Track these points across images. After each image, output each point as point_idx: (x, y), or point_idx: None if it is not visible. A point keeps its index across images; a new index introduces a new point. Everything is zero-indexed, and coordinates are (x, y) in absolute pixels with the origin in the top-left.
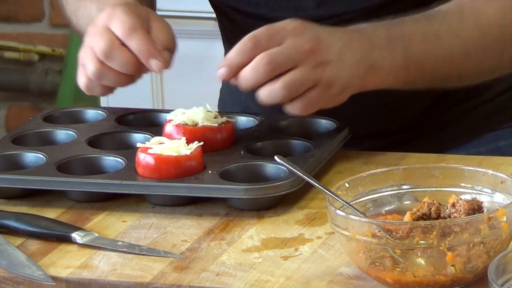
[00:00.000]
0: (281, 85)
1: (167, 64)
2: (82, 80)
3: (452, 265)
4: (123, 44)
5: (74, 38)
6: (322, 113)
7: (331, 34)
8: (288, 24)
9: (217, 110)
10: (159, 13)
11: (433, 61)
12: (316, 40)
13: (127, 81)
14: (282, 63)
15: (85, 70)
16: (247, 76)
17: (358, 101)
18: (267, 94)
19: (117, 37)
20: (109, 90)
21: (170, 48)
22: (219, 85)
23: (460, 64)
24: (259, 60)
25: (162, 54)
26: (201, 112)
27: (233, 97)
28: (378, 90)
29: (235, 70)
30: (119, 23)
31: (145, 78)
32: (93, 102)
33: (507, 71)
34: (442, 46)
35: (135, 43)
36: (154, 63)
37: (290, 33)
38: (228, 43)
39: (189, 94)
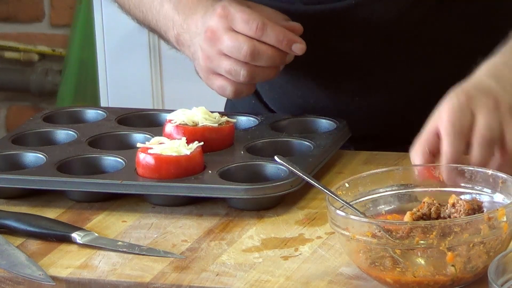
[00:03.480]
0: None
1: (303, 42)
2: (229, 88)
3: (452, 265)
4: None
5: (74, 38)
6: (321, 114)
7: (497, 81)
8: (461, 99)
9: (223, 111)
10: None
11: None
12: (497, 100)
13: (275, 73)
14: (494, 137)
15: (231, 77)
16: (476, 161)
17: (358, 104)
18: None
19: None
20: (254, 87)
21: (292, 28)
22: None
23: None
24: (478, 145)
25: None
26: (201, 112)
27: (243, 100)
28: (378, 91)
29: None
30: (243, 23)
31: (145, 78)
32: (93, 102)
33: None
34: None
35: (272, 36)
36: (297, 47)
37: (478, 108)
38: None
39: (189, 94)
